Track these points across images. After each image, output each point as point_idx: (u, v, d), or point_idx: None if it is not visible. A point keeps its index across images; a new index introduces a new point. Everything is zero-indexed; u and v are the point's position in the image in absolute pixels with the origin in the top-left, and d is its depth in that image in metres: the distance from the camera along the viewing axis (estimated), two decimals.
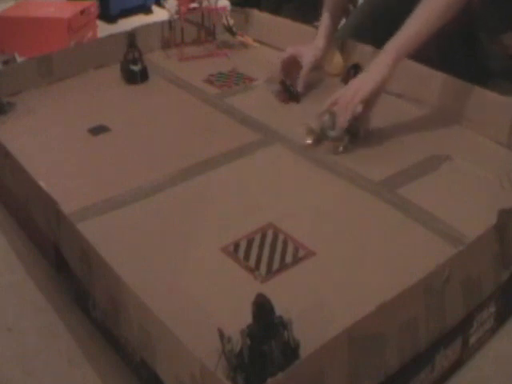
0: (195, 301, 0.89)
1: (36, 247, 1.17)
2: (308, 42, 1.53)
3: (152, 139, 1.34)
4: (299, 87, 1.48)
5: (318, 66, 1.53)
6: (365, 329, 0.73)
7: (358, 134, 1.27)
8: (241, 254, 0.99)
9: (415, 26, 1.21)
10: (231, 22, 1.78)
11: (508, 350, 0.95)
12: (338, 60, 1.59)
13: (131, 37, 1.62)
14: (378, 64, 1.23)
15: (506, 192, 1.12)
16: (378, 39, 1.35)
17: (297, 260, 0.98)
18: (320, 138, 1.26)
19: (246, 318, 0.74)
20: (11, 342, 0.98)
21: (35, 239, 1.17)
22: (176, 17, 1.74)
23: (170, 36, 1.78)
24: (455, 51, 1.58)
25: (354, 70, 1.49)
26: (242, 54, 1.78)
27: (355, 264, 0.97)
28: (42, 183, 1.04)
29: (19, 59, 1.89)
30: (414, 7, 1.22)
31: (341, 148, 1.25)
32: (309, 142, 1.27)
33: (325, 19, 1.52)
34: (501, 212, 0.88)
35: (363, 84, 1.22)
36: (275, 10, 2.03)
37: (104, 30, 2.39)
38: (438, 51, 1.50)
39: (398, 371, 0.78)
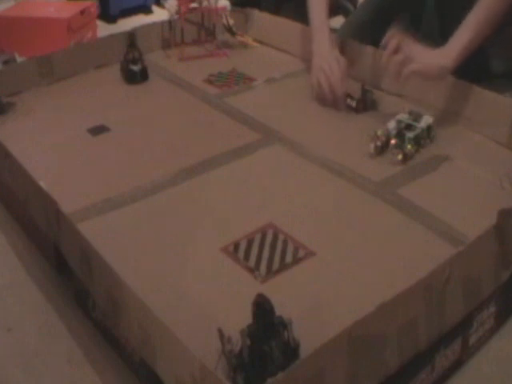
0: (195, 301, 0.89)
1: (36, 247, 1.17)
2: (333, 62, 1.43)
3: (152, 139, 1.34)
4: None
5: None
6: (365, 329, 0.73)
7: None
8: (241, 254, 0.99)
9: (469, 34, 1.22)
10: (231, 22, 1.78)
11: (508, 350, 0.95)
12: None
13: (131, 37, 1.61)
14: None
15: (506, 192, 1.12)
16: (379, 40, 1.35)
17: (297, 260, 0.98)
18: (384, 145, 1.23)
19: (246, 318, 0.75)
20: (11, 342, 0.98)
21: (35, 239, 1.17)
22: (176, 17, 1.74)
23: (170, 36, 1.78)
24: None
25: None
26: (242, 54, 1.77)
27: (355, 264, 0.97)
28: (41, 183, 1.04)
29: (19, 59, 1.89)
30: (414, 8, 1.22)
31: (400, 156, 1.22)
32: (371, 151, 1.23)
33: (325, 28, 1.48)
34: (501, 212, 0.88)
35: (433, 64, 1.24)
36: (275, 10, 2.03)
37: (104, 29, 2.38)
38: None
39: (398, 371, 0.78)
